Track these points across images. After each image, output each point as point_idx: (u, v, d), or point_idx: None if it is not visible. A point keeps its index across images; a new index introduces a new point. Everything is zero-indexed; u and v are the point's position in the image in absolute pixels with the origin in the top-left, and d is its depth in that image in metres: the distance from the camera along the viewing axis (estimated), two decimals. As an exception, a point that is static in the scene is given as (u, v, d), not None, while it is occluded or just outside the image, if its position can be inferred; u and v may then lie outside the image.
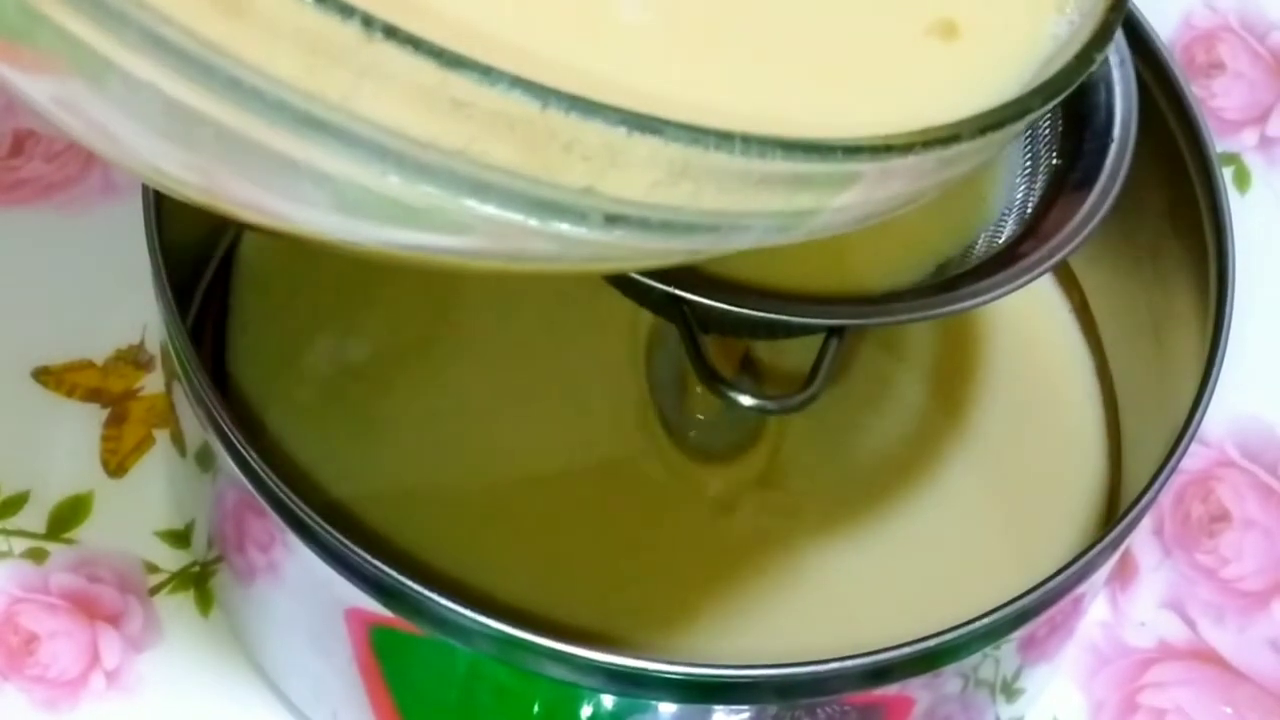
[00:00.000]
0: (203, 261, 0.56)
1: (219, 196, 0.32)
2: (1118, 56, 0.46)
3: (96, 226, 0.61)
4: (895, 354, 0.57)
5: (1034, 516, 0.55)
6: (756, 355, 0.54)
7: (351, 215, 0.31)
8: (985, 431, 0.56)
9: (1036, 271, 0.43)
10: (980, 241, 0.46)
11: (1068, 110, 0.46)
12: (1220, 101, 0.67)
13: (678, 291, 0.41)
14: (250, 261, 0.56)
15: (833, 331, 0.44)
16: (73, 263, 0.60)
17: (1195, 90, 0.56)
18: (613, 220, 0.30)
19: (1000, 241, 0.45)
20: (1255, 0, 0.69)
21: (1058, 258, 0.43)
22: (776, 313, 0.42)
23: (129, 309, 0.58)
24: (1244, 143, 0.66)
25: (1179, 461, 0.46)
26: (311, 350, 0.55)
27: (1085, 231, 0.44)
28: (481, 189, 0.30)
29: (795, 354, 0.48)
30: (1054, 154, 0.46)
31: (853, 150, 0.31)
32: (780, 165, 0.30)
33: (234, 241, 0.56)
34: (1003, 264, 0.44)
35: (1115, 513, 0.55)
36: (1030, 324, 0.58)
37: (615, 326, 0.55)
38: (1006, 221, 0.46)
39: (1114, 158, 0.45)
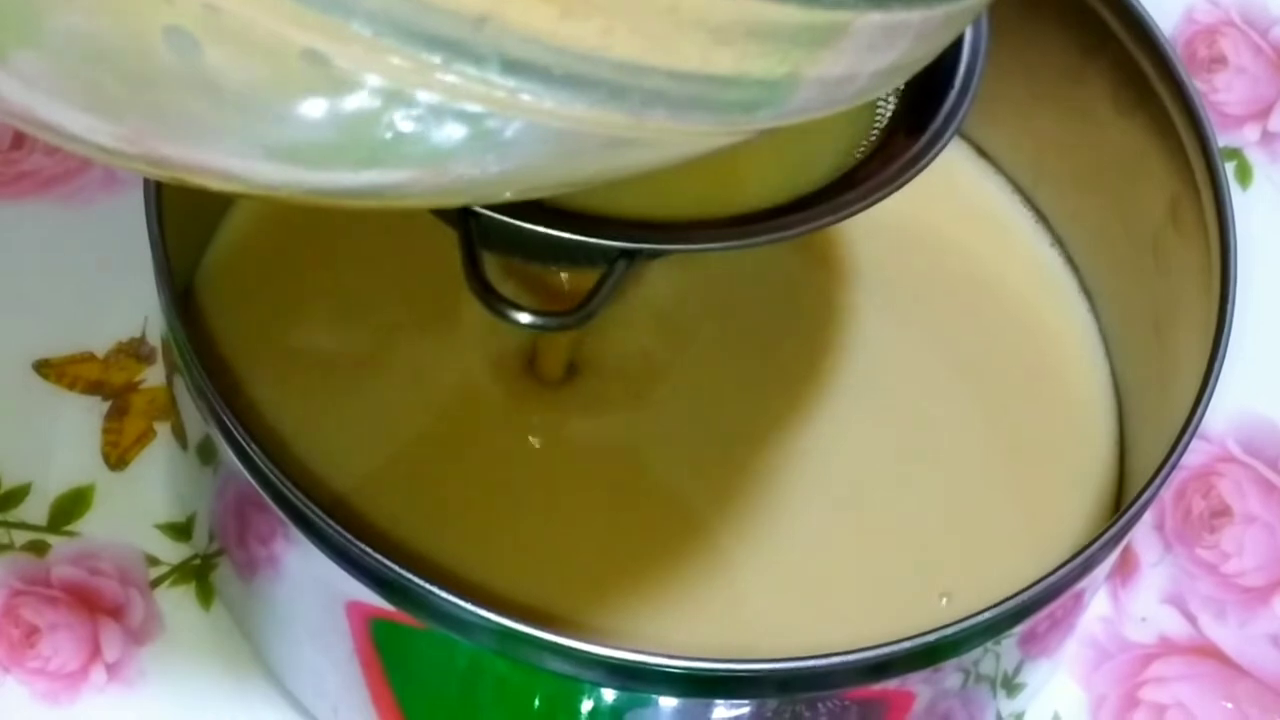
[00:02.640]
0: (204, 254, 0.56)
1: (159, 161, 0.31)
2: None
3: (97, 219, 0.60)
4: (895, 351, 0.57)
5: (1043, 512, 0.55)
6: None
7: (281, 156, 0.30)
8: (991, 422, 0.56)
9: (883, 192, 0.42)
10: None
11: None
12: (1222, 96, 0.67)
13: None
14: (244, 256, 0.56)
15: (624, 253, 0.42)
16: (74, 256, 0.60)
17: (1197, 85, 0.56)
18: (511, 67, 0.28)
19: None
20: (1258, -5, 0.69)
21: (900, 182, 0.42)
22: (559, 229, 0.40)
23: (130, 302, 0.58)
24: (1246, 138, 0.66)
25: (1180, 457, 0.46)
26: (312, 343, 0.55)
27: (927, 159, 0.43)
28: (366, 15, 0.27)
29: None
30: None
31: None
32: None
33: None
34: (844, 188, 0.43)
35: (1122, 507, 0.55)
36: (1042, 318, 0.58)
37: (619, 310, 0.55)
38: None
39: (963, 73, 0.44)
